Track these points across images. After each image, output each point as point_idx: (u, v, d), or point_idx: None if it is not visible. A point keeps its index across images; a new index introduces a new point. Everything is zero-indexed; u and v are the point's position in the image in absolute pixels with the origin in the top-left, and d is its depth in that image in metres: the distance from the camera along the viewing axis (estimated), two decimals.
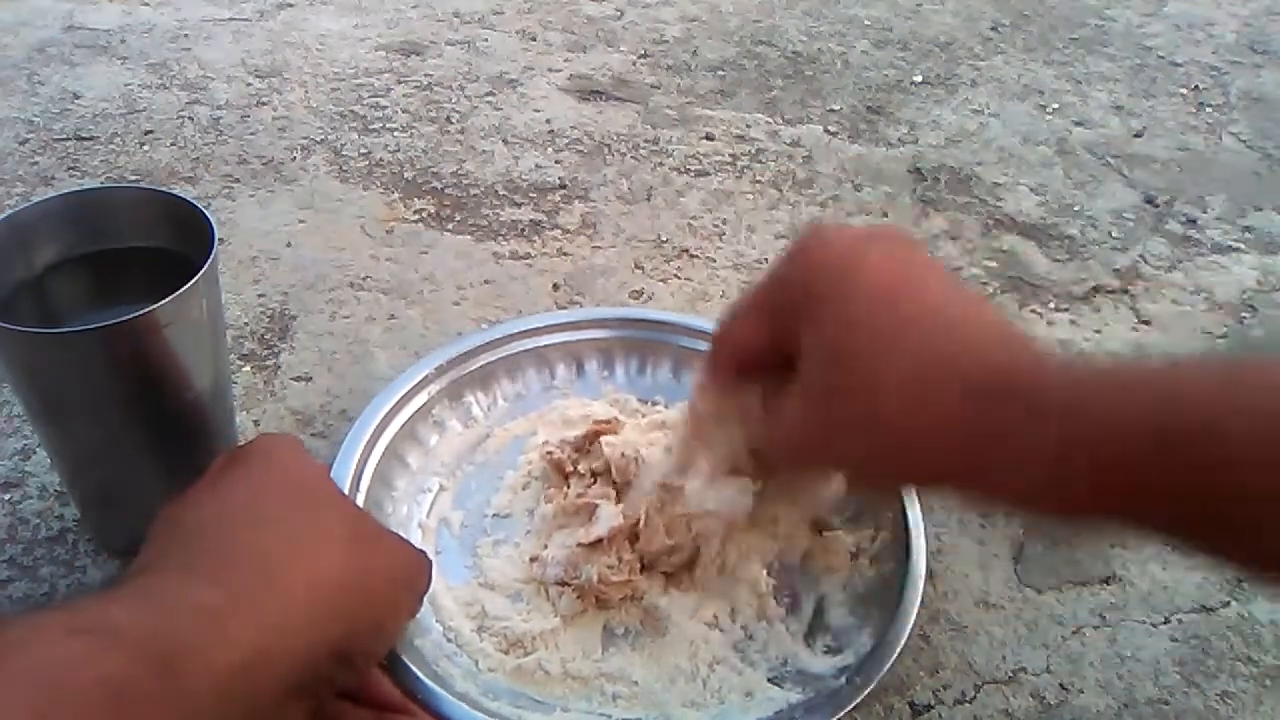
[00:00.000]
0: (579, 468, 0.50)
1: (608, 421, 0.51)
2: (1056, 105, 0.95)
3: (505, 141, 0.85)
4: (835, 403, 0.36)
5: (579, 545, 0.46)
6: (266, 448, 0.39)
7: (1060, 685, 0.47)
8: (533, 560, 0.48)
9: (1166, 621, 0.50)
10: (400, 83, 0.93)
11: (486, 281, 0.70)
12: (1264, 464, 0.27)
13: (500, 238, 0.74)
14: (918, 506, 0.49)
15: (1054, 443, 0.31)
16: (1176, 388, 0.30)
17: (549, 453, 0.51)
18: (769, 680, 0.44)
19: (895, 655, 0.43)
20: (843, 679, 0.43)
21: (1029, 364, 0.34)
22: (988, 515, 0.55)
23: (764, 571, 0.47)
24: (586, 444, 0.51)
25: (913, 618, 0.45)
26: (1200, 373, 0.31)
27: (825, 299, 0.36)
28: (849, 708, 0.41)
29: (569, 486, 0.50)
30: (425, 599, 0.43)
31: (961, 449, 0.33)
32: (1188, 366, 0.32)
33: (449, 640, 0.45)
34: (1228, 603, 0.51)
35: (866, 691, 0.42)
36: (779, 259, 0.39)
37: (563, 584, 0.46)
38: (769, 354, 0.40)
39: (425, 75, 0.94)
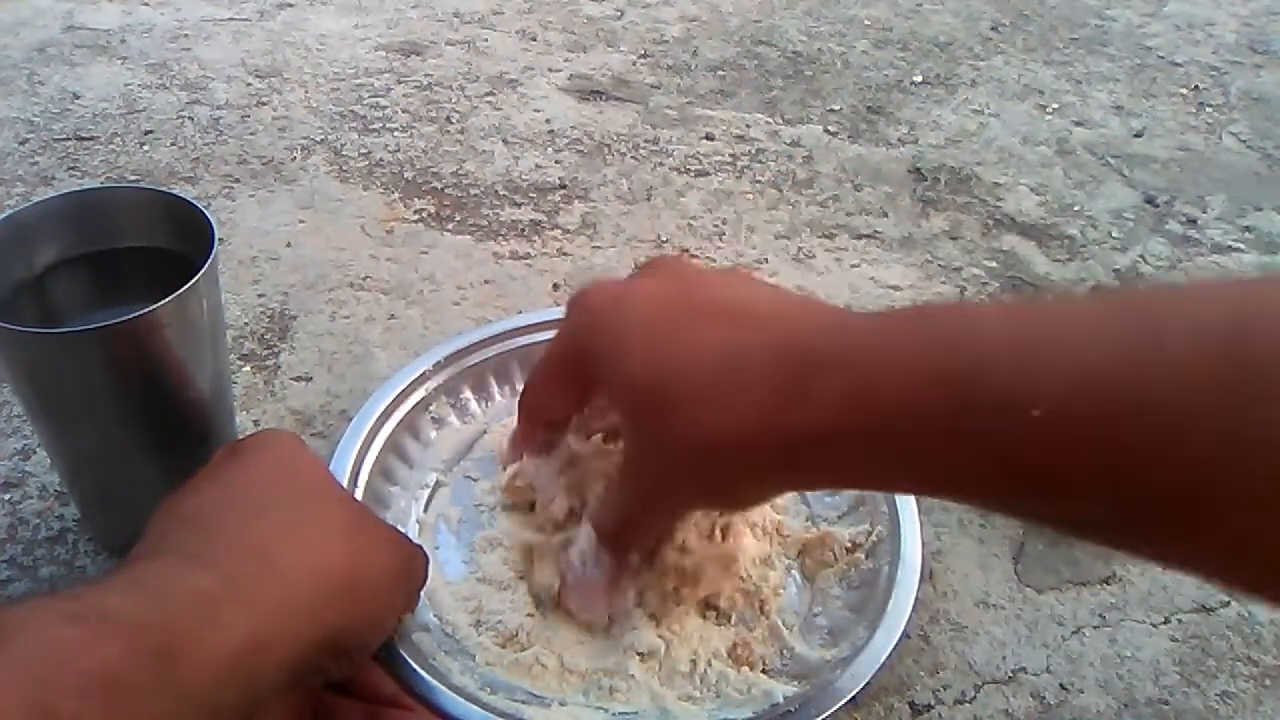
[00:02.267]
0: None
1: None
2: (1056, 105, 0.95)
3: (505, 141, 0.85)
4: (648, 439, 0.35)
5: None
6: (266, 440, 0.39)
7: (1060, 685, 0.47)
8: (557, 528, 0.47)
9: (1166, 621, 0.50)
10: (400, 83, 0.93)
11: (486, 281, 0.70)
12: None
13: (500, 238, 0.74)
14: (913, 500, 0.49)
15: (845, 391, 0.30)
16: (966, 324, 0.30)
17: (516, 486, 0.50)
18: (765, 674, 0.44)
19: (892, 646, 0.43)
20: (838, 672, 0.43)
21: (823, 324, 0.33)
22: (987, 515, 0.55)
23: (760, 567, 0.47)
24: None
25: (909, 608, 0.45)
26: (996, 314, 0.30)
27: (603, 353, 0.37)
28: (845, 700, 0.41)
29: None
30: (422, 594, 0.44)
31: (773, 429, 0.32)
32: (983, 310, 0.31)
33: (446, 634, 0.45)
34: (1228, 603, 0.51)
35: (864, 684, 0.42)
36: (561, 323, 0.40)
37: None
38: (576, 408, 0.43)
39: (425, 75, 0.94)
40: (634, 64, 0.98)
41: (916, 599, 0.45)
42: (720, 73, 0.98)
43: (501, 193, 0.79)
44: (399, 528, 0.47)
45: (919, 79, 0.98)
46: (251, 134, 0.84)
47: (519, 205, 0.78)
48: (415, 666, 0.42)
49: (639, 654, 0.44)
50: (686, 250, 0.73)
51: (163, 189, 0.49)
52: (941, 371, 0.28)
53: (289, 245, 0.72)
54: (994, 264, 0.74)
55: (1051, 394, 0.26)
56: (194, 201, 0.46)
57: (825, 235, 0.76)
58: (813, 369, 0.31)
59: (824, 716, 0.41)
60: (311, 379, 0.61)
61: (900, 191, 0.82)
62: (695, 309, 0.35)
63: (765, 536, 0.49)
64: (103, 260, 0.48)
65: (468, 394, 0.56)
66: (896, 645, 0.43)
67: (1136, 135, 0.91)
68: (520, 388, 0.57)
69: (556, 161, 0.83)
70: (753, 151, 0.86)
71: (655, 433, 0.35)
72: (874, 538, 0.49)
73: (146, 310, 0.41)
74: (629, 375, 0.35)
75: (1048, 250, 0.76)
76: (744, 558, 0.47)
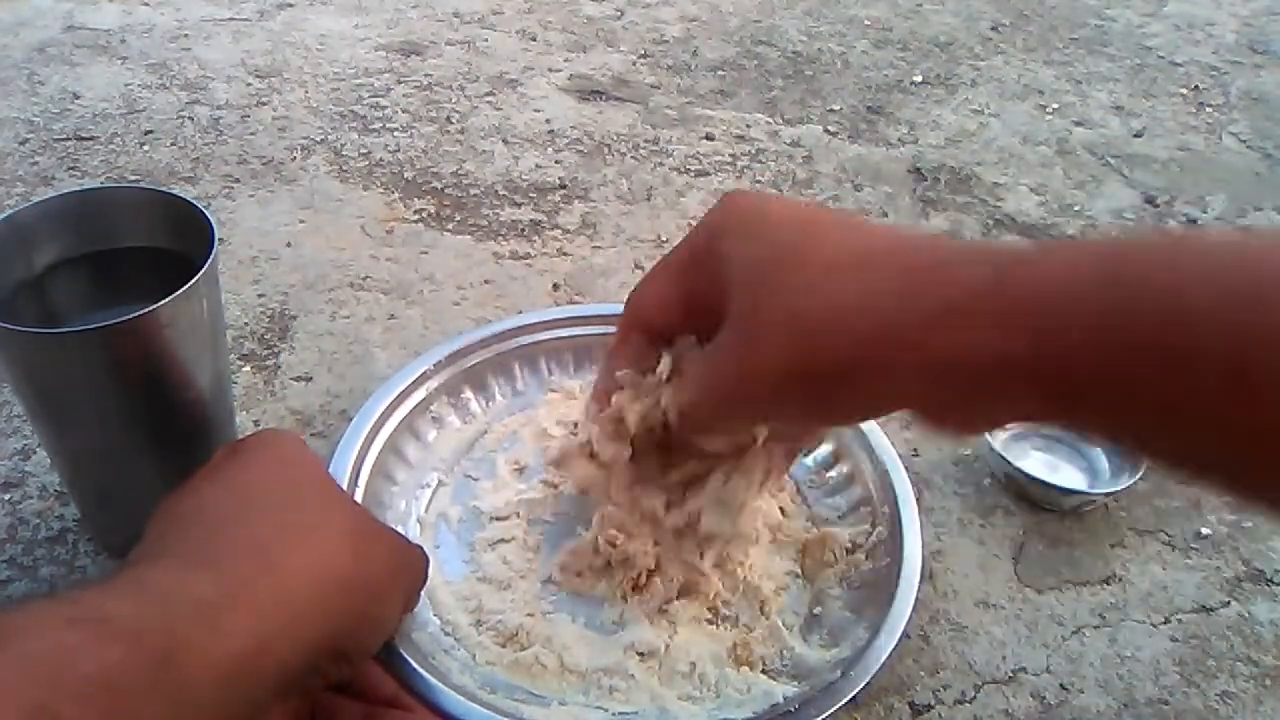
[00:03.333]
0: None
1: None
2: (1056, 105, 0.95)
3: (505, 141, 0.85)
4: (759, 322, 0.34)
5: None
6: (267, 440, 0.39)
7: (1060, 685, 0.47)
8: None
9: (1166, 621, 0.50)
10: (400, 83, 0.93)
11: (486, 281, 0.70)
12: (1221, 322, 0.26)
13: (500, 238, 0.74)
14: (913, 500, 0.49)
15: (998, 291, 0.29)
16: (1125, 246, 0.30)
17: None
18: (765, 674, 0.44)
19: (892, 647, 0.43)
20: (839, 672, 0.43)
21: (960, 246, 0.33)
22: (988, 515, 0.55)
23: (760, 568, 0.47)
24: None
25: (909, 609, 0.45)
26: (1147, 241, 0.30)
27: (735, 242, 0.36)
28: (845, 700, 0.41)
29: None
30: (422, 594, 0.44)
31: (896, 323, 0.31)
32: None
33: (446, 634, 0.45)
34: (1228, 603, 0.51)
35: (863, 684, 0.42)
36: (698, 225, 0.39)
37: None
38: (682, 317, 0.40)
39: (425, 75, 0.94)
40: (634, 64, 0.98)
41: (916, 599, 0.45)
42: (720, 73, 0.98)
43: (501, 193, 0.79)
44: (399, 528, 0.47)
45: (919, 79, 0.98)
46: (251, 134, 0.84)
47: (519, 205, 0.78)
48: (415, 666, 0.42)
49: (639, 654, 0.44)
50: None
51: (163, 189, 0.49)
52: (1101, 269, 0.28)
53: (289, 245, 0.72)
54: None
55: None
56: (194, 201, 0.46)
57: None
58: (952, 255, 0.31)
59: (824, 716, 0.41)
60: (311, 379, 0.61)
61: (900, 191, 0.82)
62: (832, 226, 0.35)
63: (768, 531, 0.49)
64: (103, 260, 0.48)
65: (468, 394, 0.56)
66: (896, 645, 0.43)
67: (1136, 135, 0.91)
68: (519, 388, 0.58)
69: (556, 161, 0.83)
70: (753, 151, 0.86)
71: (775, 302, 0.33)
72: (874, 538, 0.49)
73: (146, 310, 0.41)
74: (755, 254, 0.34)
75: None
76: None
